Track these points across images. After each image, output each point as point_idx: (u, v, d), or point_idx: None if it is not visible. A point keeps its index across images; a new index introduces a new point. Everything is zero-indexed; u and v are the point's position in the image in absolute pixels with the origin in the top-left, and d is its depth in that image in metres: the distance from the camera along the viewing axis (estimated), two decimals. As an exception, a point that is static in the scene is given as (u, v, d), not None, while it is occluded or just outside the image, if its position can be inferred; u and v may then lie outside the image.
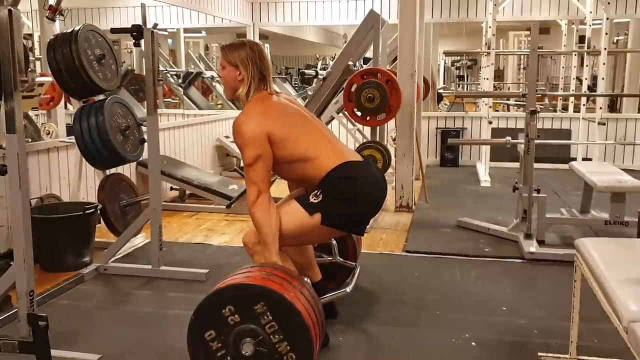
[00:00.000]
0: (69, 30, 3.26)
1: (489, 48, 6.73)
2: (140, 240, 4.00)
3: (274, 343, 1.97)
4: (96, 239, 3.69)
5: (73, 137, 3.42)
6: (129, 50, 8.37)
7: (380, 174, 2.57)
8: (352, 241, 3.03)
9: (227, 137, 6.79)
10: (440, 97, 9.13)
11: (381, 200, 2.54)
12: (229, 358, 2.02)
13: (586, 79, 7.36)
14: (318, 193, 2.34)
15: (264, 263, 2.30)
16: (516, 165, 5.26)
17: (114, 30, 3.57)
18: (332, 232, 2.45)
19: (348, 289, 2.65)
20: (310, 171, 2.37)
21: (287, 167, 2.39)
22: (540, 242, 3.90)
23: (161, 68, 5.13)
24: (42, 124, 5.26)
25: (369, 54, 5.04)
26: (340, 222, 2.39)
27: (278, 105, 2.41)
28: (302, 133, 2.39)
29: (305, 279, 2.34)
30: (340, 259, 2.94)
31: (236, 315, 2.00)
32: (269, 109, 2.36)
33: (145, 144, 3.47)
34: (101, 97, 3.50)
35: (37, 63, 5.51)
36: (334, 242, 2.89)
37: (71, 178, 4.13)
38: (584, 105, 7.20)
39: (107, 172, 3.95)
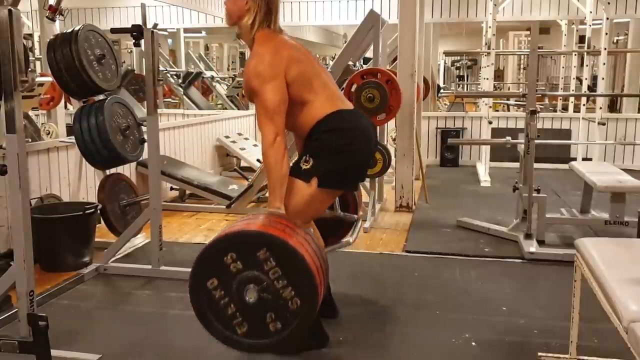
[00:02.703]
0: (69, 30, 3.26)
1: (489, 48, 6.74)
2: (140, 240, 4.00)
3: (278, 289, 1.94)
4: (96, 239, 3.69)
5: (73, 137, 3.42)
6: (129, 50, 8.39)
7: (369, 122, 2.51)
8: (352, 194, 3.00)
9: (227, 137, 6.79)
10: (439, 89, 9.11)
11: (373, 148, 2.48)
12: (232, 305, 1.99)
13: (586, 79, 7.36)
14: (307, 157, 2.31)
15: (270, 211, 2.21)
16: (516, 165, 5.25)
17: (114, 30, 3.57)
18: (333, 193, 2.42)
19: (351, 240, 2.63)
20: (304, 116, 2.32)
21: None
22: (540, 242, 3.90)
23: (161, 68, 5.13)
24: (42, 124, 5.27)
25: (369, 54, 5.04)
26: (337, 179, 2.34)
27: (288, 43, 2.35)
28: (309, 73, 2.33)
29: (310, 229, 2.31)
30: (342, 213, 2.92)
31: (238, 262, 1.96)
32: (280, 46, 2.29)
33: (145, 144, 3.47)
34: (101, 97, 3.50)
35: (37, 63, 5.52)
36: None
37: (71, 178, 4.12)
38: (584, 105, 7.20)
39: (107, 172, 3.95)
